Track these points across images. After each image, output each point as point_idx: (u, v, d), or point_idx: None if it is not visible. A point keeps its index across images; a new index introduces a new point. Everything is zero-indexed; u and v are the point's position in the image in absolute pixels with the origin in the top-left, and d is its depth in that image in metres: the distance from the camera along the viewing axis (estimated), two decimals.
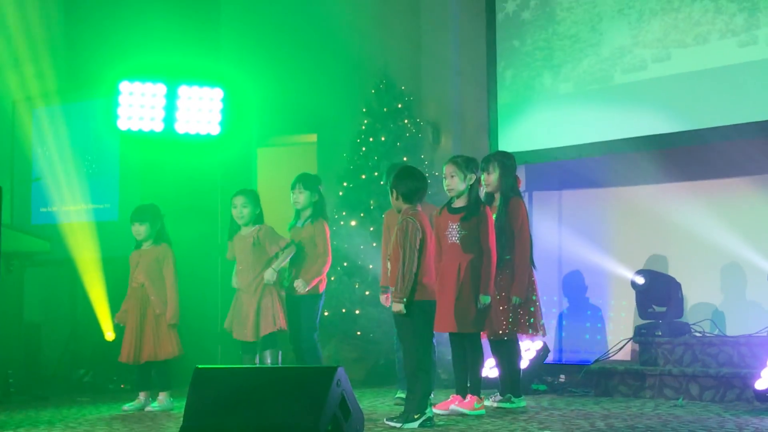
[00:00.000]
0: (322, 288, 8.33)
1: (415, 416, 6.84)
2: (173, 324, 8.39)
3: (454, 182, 7.45)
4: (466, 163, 7.49)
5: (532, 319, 7.77)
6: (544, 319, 7.99)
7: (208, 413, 5.36)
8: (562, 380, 9.26)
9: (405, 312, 6.91)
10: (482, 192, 7.81)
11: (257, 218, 8.39)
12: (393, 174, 7.27)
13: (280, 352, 8.36)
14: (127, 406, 8.32)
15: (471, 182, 7.44)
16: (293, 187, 8.41)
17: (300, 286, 8.19)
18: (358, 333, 10.26)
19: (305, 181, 8.41)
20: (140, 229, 8.48)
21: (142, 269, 8.45)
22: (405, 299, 6.89)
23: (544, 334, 8.01)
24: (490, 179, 7.88)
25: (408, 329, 6.98)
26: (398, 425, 6.75)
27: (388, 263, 7.23)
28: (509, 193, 7.86)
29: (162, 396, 8.36)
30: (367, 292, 10.11)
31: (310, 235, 8.31)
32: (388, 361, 10.01)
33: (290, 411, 5.18)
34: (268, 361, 8.20)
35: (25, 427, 7.20)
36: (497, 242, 7.54)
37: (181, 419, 5.59)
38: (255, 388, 5.42)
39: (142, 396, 8.40)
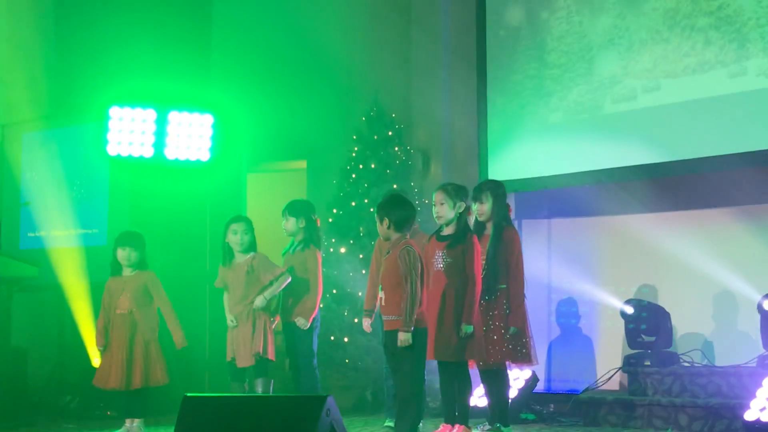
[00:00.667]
0: (313, 315, 8.33)
1: None
2: (153, 342, 8.33)
3: (443, 210, 7.38)
4: (456, 191, 7.43)
5: (524, 349, 7.65)
6: (534, 348, 7.94)
7: None
8: (551, 410, 9.23)
9: (410, 342, 6.80)
10: (472, 221, 7.78)
11: (252, 246, 8.37)
12: (382, 201, 7.21)
13: (272, 381, 8.32)
14: None
15: (460, 210, 7.39)
16: (282, 215, 8.45)
17: (302, 324, 8.20)
18: (347, 361, 10.22)
19: (291, 208, 8.45)
20: (131, 255, 8.40)
21: (129, 296, 8.36)
22: (412, 328, 6.80)
23: (536, 363, 7.95)
24: (483, 209, 7.79)
25: (405, 358, 6.90)
26: None
27: (380, 291, 7.10)
28: (502, 222, 7.78)
29: (136, 423, 8.30)
30: (356, 320, 10.07)
31: (300, 261, 8.32)
32: (376, 390, 9.99)
33: None
34: (259, 389, 8.17)
35: None
36: (491, 272, 7.54)
37: None
38: (244, 417, 5.37)
39: (127, 423, 8.36)
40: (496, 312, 7.62)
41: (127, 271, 8.46)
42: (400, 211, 7.01)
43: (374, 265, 8.03)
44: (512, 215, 9.10)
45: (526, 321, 7.75)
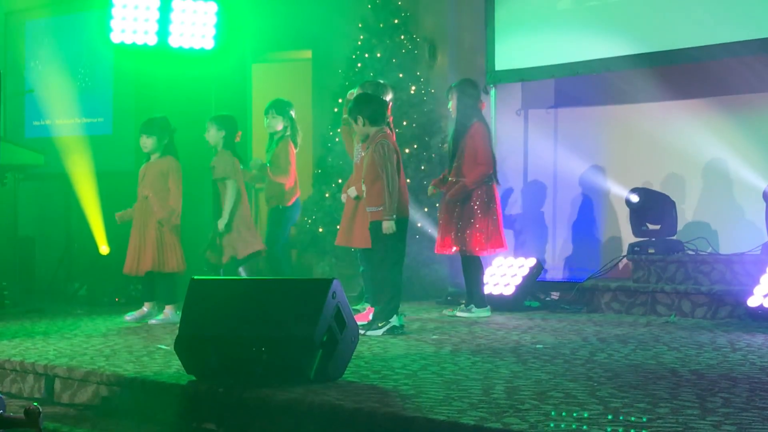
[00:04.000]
0: (290, 202, 8.80)
1: (380, 324, 7.23)
2: (167, 225, 8.35)
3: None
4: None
5: (496, 234, 8.28)
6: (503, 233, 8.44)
7: (203, 324, 5.37)
8: (555, 297, 9.32)
9: (394, 229, 7.20)
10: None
11: None
12: (352, 102, 7.56)
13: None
14: (128, 315, 8.37)
15: None
16: (266, 112, 8.81)
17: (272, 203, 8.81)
18: (352, 248, 10.26)
19: (278, 106, 8.82)
20: (147, 142, 8.43)
21: (148, 182, 8.40)
22: (394, 216, 7.18)
23: (502, 248, 8.45)
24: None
25: (382, 244, 7.27)
26: (362, 332, 6.83)
27: (363, 185, 7.45)
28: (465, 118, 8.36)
29: (168, 309, 8.37)
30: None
31: (275, 154, 8.76)
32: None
33: (286, 322, 5.20)
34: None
35: (21, 338, 7.24)
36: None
37: (173, 329, 5.61)
38: (251, 299, 5.42)
39: (146, 307, 8.45)
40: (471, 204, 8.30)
41: (153, 158, 8.49)
42: (371, 106, 7.40)
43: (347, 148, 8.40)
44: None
45: (495, 208, 8.34)
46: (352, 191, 7.85)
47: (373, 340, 6.92)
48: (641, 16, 9.00)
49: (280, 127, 8.79)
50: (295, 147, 8.87)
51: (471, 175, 8.29)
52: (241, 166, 8.72)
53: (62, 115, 10.96)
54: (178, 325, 5.47)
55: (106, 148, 9.84)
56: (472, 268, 8.42)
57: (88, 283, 10.28)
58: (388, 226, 7.17)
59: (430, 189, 8.62)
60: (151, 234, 8.36)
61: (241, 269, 8.83)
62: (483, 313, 8.38)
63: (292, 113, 8.86)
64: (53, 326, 8.03)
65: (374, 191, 7.27)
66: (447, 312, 8.60)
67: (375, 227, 7.31)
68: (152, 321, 8.29)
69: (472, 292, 8.45)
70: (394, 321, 7.27)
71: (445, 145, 9.03)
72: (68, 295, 10.32)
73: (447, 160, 8.63)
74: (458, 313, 8.43)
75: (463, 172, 8.31)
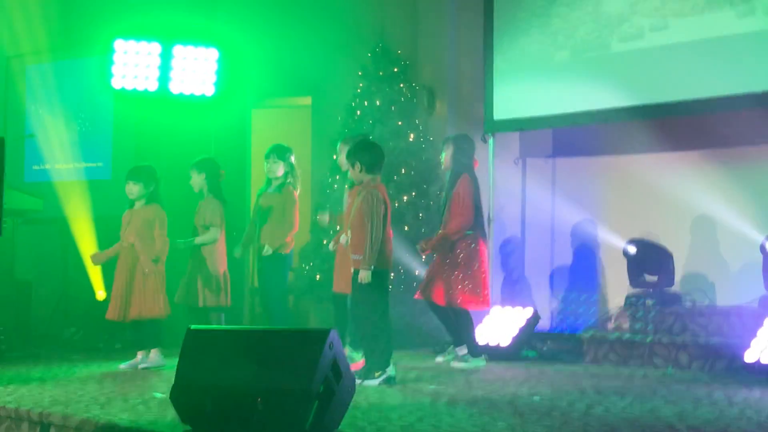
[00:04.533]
0: (289, 249, 8.81)
1: (377, 374, 7.20)
2: (151, 272, 8.37)
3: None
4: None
5: (478, 289, 8.35)
6: (488, 290, 8.54)
7: (199, 373, 5.35)
8: (553, 348, 9.30)
9: (369, 280, 7.23)
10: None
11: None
12: (353, 146, 7.55)
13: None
14: (123, 365, 8.35)
15: None
16: (267, 157, 8.80)
17: (266, 251, 8.61)
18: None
19: (279, 151, 8.81)
20: (133, 189, 8.50)
21: (133, 229, 8.46)
22: (372, 267, 7.20)
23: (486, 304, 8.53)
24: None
25: (366, 296, 7.28)
26: (359, 381, 6.82)
27: (348, 231, 7.49)
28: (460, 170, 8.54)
29: (153, 353, 8.41)
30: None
31: (279, 202, 8.71)
32: None
33: (283, 372, 5.18)
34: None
35: (16, 384, 7.21)
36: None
37: (169, 377, 5.60)
38: (247, 349, 5.40)
39: (139, 355, 8.44)
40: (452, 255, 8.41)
41: (137, 204, 8.56)
42: (370, 154, 7.38)
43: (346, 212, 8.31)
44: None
45: (479, 261, 8.43)
46: (344, 239, 7.92)
47: (369, 390, 6.90)
48: (639, 68, 9.05)
49: (281, 172, 8.80)
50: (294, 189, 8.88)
51: (450, 224, 8.42)
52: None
53: (62, 160, 10.99)
54: (174, 371, 5.45)
55: (104, 193, 9.86)
56: (461, 319, 8.45)
57: (84, 328, 10.25)
58: (364, 275, 7.21)
59: (419, 248, 8.67)
60: (137, 281, 8.40)
61: (215, 316, 8.86)
62: (478, 363, 8.37)
63: (292, 159, 8.90)
64: (49, 372, 8.00)
65: (359, 239, 7.31)
66: (439, 359, 8.64)
67: (356, 275, 7.34)
68: (140, 366, 8.32)
69: (466, 342, 8.45)
70: (390, 370, 7.28)
71: (441, 193, 9.09)
72: (64, 340, 10.29)
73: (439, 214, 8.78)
74: (453, 364, 8.41)
75: (450, 225, 8.44)
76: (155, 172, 8.63)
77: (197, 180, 8.85)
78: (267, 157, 8.85)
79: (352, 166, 7.41)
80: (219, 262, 8.74)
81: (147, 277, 8.40)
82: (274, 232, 8.69)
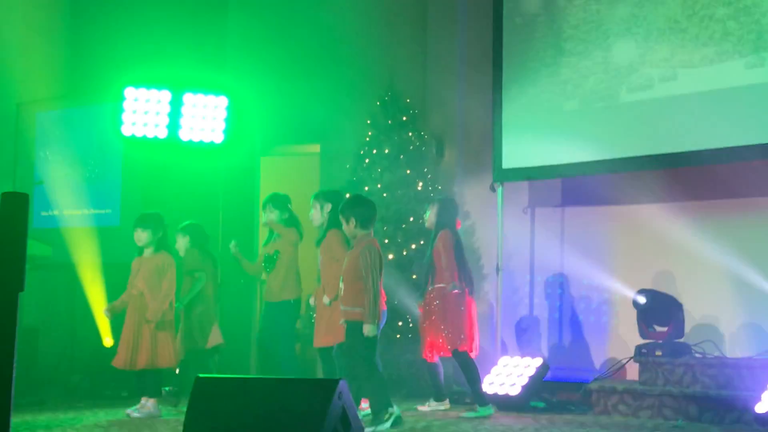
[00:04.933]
0: (294, 297, 8.91)
1: (385, 417, 7.34)
2: (153, 320, 8.41)
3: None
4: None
5: (460, 335, 8.55)
6: (473, 337, 8.71)
7: (208, 424, 5.32)
8: (562, 398, 9.22)
9: (375, 333, 7.44)
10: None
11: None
12: (347, 202, 7.79)
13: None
14: (131, 410, 8.31)
15: None
16: (264, 207, 9.01)
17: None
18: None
19: (274, 201, 8.99)
20: (141, 236, 8.54)
21: (142, 277, 8.48)
22: (377, 321, 7.43)
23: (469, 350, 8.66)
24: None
25: (360, 344, 7.44)
26: (371, 429, 7.13)
27: (341, 283, 7.68)
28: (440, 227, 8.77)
29: (150, 403, 8.38)
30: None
31: (282, 243, 8.90)
32: (391, 374, 9.98)
33: (292, 423, 5.14)
34: None
35: None
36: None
37: (177, 426, 5.56)
38: (256, 399, 5.38)
39: (143, 401, 8.41)
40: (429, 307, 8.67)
41: (146, 252, 8.61)
42: (363, 209, 7.64)
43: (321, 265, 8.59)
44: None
45: (462, 312, 8.63)
46: (325, 299, 8.13)
47: None
48: (648, 118, 9.06)
49: (276, 219, 8.92)
50: (300, 238, 8.95)
51: (438, 278, 8.67)
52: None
53: (70, 206, 11.01)
54: (180, 419, 5.41)
55: (113, 240, 9.86)
56: (467, 368, 8.58)
57: (90, 375, 10.21)
58: (370, 329, 7.38)
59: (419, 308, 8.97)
60: (145, 330, 8.42)
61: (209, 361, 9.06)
62: (487, 411, 8.44)
63: (290, 206, 9.02)
64: (55, 420, 7.96)
65: (353, 291, 7.47)
66: (428, 406, 8.80)
67: (352, 327, 7.48)
68: (134, 415, 8.29)
69: (472, 391, 8.60)
70: (395, 410, 7.40)
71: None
72: (70, 387, 10.25)
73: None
74: (462, 414, 8.49)
75: (435, 280, 8.68)
76: (162, 219, 8.72)
77: (181, 243, 9.23)
78: (264, 207, 9.02)
79: (347, 221, 7.62)
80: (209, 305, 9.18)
81: (156, 328, 8.41)
82: (282, 279, 8.80)
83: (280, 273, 8.82)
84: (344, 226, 7.68)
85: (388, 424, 7.28)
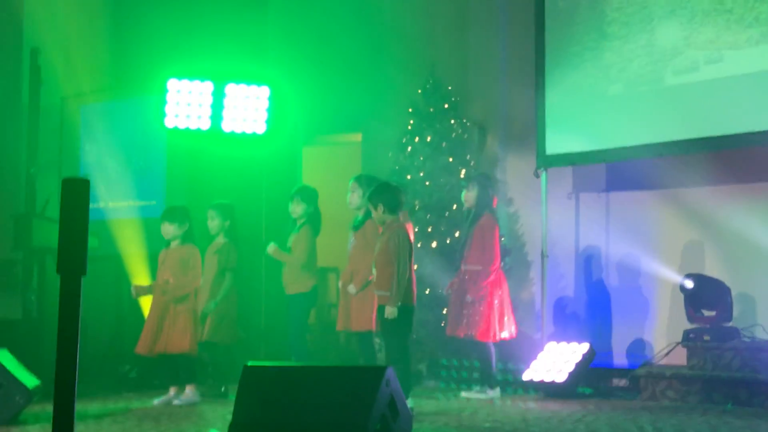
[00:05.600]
0: (309, 288, 8.91)
1: None
2: (184, 309, 8.55)
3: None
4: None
5: (483, 323, 8.66)
6: (504, 323, 8.82)
7: (257, 411, 5.35)
8: (609, 384, 9.19)
9: (395, 315, 7.56)
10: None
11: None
12: (374, 190, 7.94)
13: None
14: (156, 401, 8.43)
15: None
16: (291, 198, 9.04)
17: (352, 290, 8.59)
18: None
19: (302, 193, 9.06)
20: (168, 229, 8.72)
21: (168, 267, 8.67)
22: (399, 304, 7.55)
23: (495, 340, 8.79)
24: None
25: (391, 330, 7.60)
26: None
27: (374, 268, 7.85)
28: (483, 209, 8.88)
29: (189, 389, 8.53)
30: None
31: (295, 243, 8.96)
32: (431, 363, 9.99)
33: (339, 410, 5.16)
34: None
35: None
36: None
37: (225, 414, 5.59)
38: (304, 386, 5.40)
39: (172, 391, 8.61)
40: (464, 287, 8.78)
41: (173, 244, 8.77)
42: (390, 195, 7.84)
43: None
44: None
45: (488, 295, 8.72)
46: (352, 289, 8.27)
47: (426, 428, 6.85)
48: (694, 101, 8.97)
49: (301, 212, 8.99)
50: (316, 233, 9.02)
51: (476, 260, 8.78)
52: None
53: (116, 198, 11.09)
54: (228, 408, 5.44)
55: (158, 231, 9.89)
56: (483, 352, 8.79)
57: (138, 366, 10.29)
58: (391, 311, 7.54)
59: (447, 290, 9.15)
60: (168, 318, 8.57)
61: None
62: (495, 394, 8.74)
63: (317, 201, 9.12)
64: (105, 409, 8.04)
65: (385, 275, 7.66)
66: (463, 395, 8.86)
67: (382, 310, 7.67)
68: (174, 402, 8.44)
69: (484, 373, 8.86)
70: (410, 403, 7.45)
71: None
72: (118, 378, 10.33)
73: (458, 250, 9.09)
74: (463, 394, 8.81)
75: (470, 261, 8.77)
76: (188, 212, 8.86)
77: (215, 223, 9.20)
78: (292, 198, 9.06)
79: (375, 207, 7.83)
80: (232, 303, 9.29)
81: (178, 314, 8.58)
82: (296, 271, 8.86)
83: (295, 266, 8.85)
84: (373, 213, 7.90)
85: None
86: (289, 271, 8.92)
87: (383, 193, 7.85)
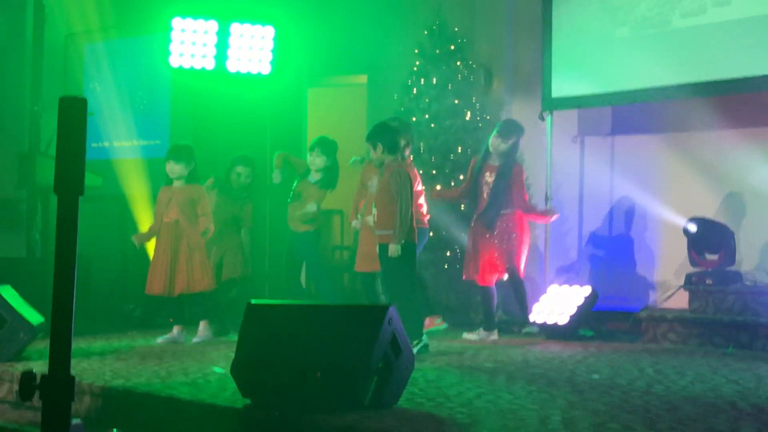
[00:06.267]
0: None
1: (414, 342, 7.39)
2: (198, 248, 8.59)
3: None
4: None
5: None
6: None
7: (259, 349, 5.38)
8: (610, 327, 9.23)
9: (399, 253, 7.59)
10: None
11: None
12: (372, 130, 7.98)
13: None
14: (160, 339, 8.47)
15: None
16: (312, 149, 9.11)
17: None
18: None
19: (323, 146, 9.11)
20: (175, 168, 8.65)
21: (176, 206, 8.61)
22: (402, 242, 7.58)
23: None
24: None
25: (396, 268, 7.64)
26: None
27: (374, 208, 7.89)
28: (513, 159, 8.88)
29: (202, 325, 8.59)
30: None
31: (313, 198, 9.16)
32: (440, 303, 10.01)
33: (342, 348, 5.19)
34: None
35: (77, 358, 7.28)
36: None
37: (228, 352, 5.63)
38: (307, 324, 5.43)
39: (176, 330, 8.61)
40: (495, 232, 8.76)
41: (177, 183, 8.70)
42: (389, 136, 7.83)
43: (357, 193, 8.90)
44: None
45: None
46: (370, 219, 8.27)
47: (427, 367, 6.89)
48: (701, 44, 8.91)
49: (320, 166, 9.12)
50: (333, 188, 9.27)
51: (515, 205, 8.80)
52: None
53: (120, 137, 11.08)
54: (231, 345, 5.47)
55: (162, 171, 9.87)
56: (482, 294, 8.92)
57: (142, 304, 10.34)
58: (394, 249, 7.57)
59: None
60: (182, 257, 8.55)
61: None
62: (492, 336, 8.81)
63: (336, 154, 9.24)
64: (109, 346, 8.09)
65: (386, 215, 7.67)
66: (477, 335, 8.86)
67: (384, 249, 7.68)
68: (195, 339, 8.51)
69: (485, 314, 8.94)
70: (424, 339, 7.61)
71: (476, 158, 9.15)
72: (123, 316, 10.39)
73: (473, 180, 9.02)
74: (465, 335, 8.85)
75: (502, 206, 8.73)
76: (193, 151, 8.80)
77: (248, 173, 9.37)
78: (311, 149, 9.13)
79: (374, 148, 7.83)
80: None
81: (193, 252, 8.57)
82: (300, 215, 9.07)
83: (305, 214, 9.10)
84: (371, 153, 7.92)
85: (414, 350, 7.22)
86: (296, 211, 9.11)
87: (382, 133, 7.86)
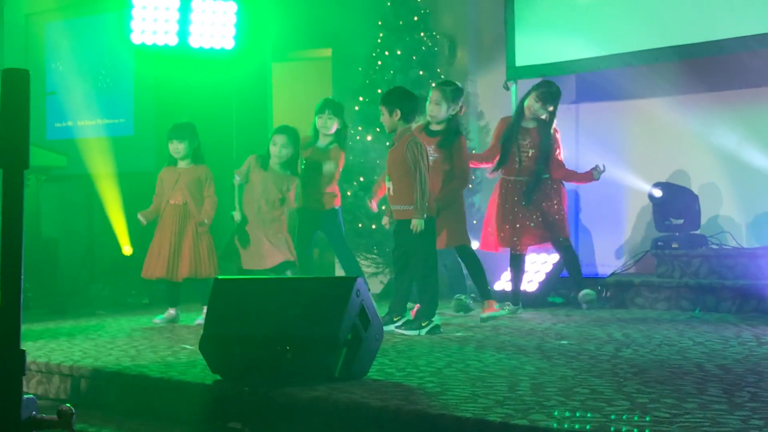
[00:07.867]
0: (338, 203, 8.82)
1: (423, 323, 7.15)
2: (204, 231, 8.33)
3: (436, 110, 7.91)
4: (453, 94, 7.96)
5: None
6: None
7: (228, 323, 5.37)
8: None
9: (422, 227, 7.07)
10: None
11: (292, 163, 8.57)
12: (390, 92, 7.33)
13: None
14: (157, 319, 8.33)
15: (452, 113, 7.97)
16: (322, 111, 8.58)
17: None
18: (374, 248, 10.26)
19: (334, 107, 8.63)
20: (179, 147, 8.30)
21: (182, 187, 8.33)
22: (424, 215, 7.07)
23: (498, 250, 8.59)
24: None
25: (418, 244, 7.14)
26: (410, 332, 7.09)
27: (387, 182, 7.31)
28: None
29: (206, 310, 8.37)
30: (383, 207, 10.08)
31: (334, 159, 8.62)
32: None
33: (311, 320, 5.19)
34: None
35: (46, 339, 7.26)
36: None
37: (198, 330, 5.63)
38: (275, 298, 5.42)
39: (172, 311, 8.39)
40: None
41: (182, 163, 8.41)
42: (409, 102, 7.15)
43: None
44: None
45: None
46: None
47: (397, 338, 6.92)
48: (663, 10, 8.94)
49: (334, 129, 8.63)
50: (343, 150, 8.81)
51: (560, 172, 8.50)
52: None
53: (84, 117, 11.00)
54: (202, 324, 5.47)
55: (127, 149, 9.88)
56: (571, 255, 8.54)
57: (110, 284, 10.31)
58: (417, 224, 7.03)
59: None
60: (187, 240, 8.30)
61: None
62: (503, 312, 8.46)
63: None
64: (77, 327, 8.06)
65: (403, 188, 7.13)
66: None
67: (403, 226, 7.16)
68: (197, 321, 8.11)
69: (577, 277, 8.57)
70: (436, 320, 7.20)
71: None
72: (91, 296, 10.36)
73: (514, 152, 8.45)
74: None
75: (544, 170, 8.38)
76: (195, 128, 8.47)
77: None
78: (321, 111, 8.60)
79: (390, 113, 7.12)
80: None
81: (200, 236, 8.31)
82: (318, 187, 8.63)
83: (321, 185, 8.66)
84: (384, 117, 7.21)
85: (423, 331, 7.09)
86: (315, 188, 8.65)
87: (402, 98, 7.15)
